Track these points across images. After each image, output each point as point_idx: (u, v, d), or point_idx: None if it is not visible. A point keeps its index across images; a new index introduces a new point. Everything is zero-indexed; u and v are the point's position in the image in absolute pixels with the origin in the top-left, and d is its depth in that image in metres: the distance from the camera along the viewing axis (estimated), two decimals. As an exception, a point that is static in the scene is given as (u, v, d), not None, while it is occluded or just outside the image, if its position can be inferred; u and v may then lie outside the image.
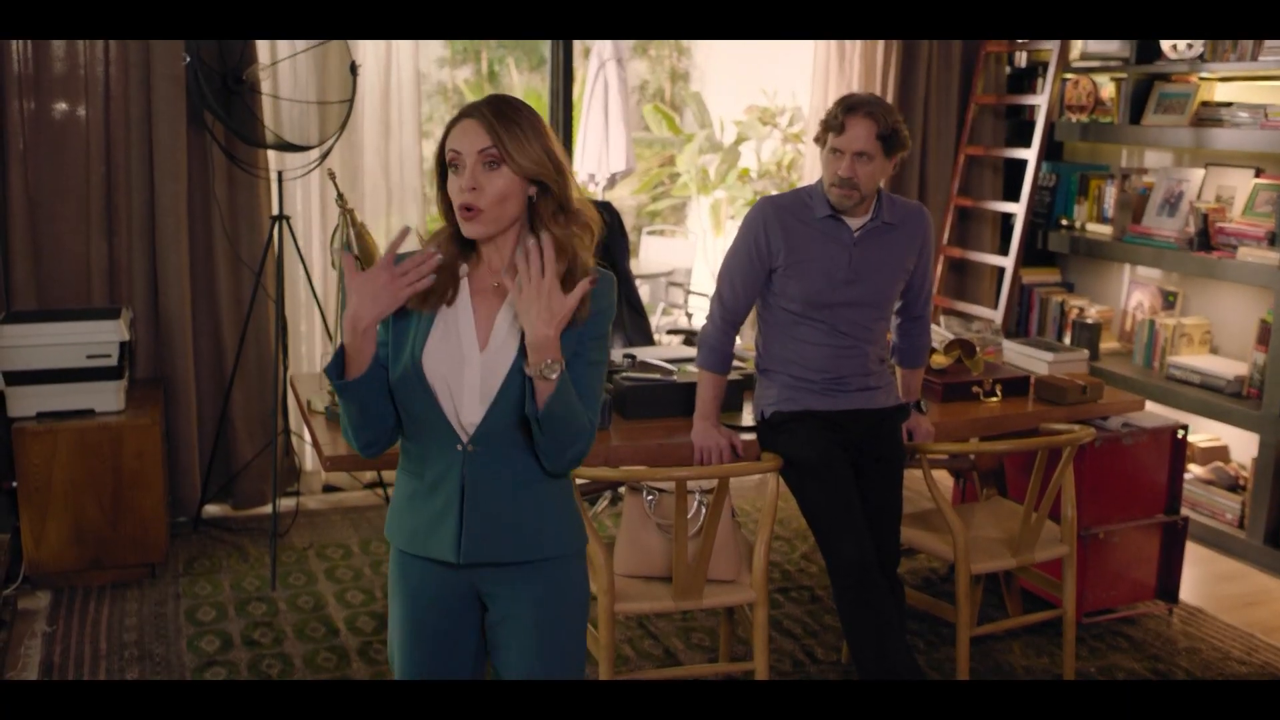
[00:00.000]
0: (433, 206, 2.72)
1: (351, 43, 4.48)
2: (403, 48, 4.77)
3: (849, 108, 3.03)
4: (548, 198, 2.00)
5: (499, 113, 1.95)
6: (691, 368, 3.52)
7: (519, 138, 1.94)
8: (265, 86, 4.38)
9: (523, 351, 1.96)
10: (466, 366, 1.99)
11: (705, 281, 7.92)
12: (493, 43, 9.43)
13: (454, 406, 2.00)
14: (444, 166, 2.00)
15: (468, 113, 1.98)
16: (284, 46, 4.44)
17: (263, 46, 4.42)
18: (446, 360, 1.99)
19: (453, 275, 2.03)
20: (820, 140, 3.11)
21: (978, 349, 3.82)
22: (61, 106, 4.20)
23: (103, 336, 3.91)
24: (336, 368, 1.99)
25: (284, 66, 4.44)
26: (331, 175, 4.01)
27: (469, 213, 1.95)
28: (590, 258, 2.05)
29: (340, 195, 3.92)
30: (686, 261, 8.10)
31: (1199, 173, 4.89)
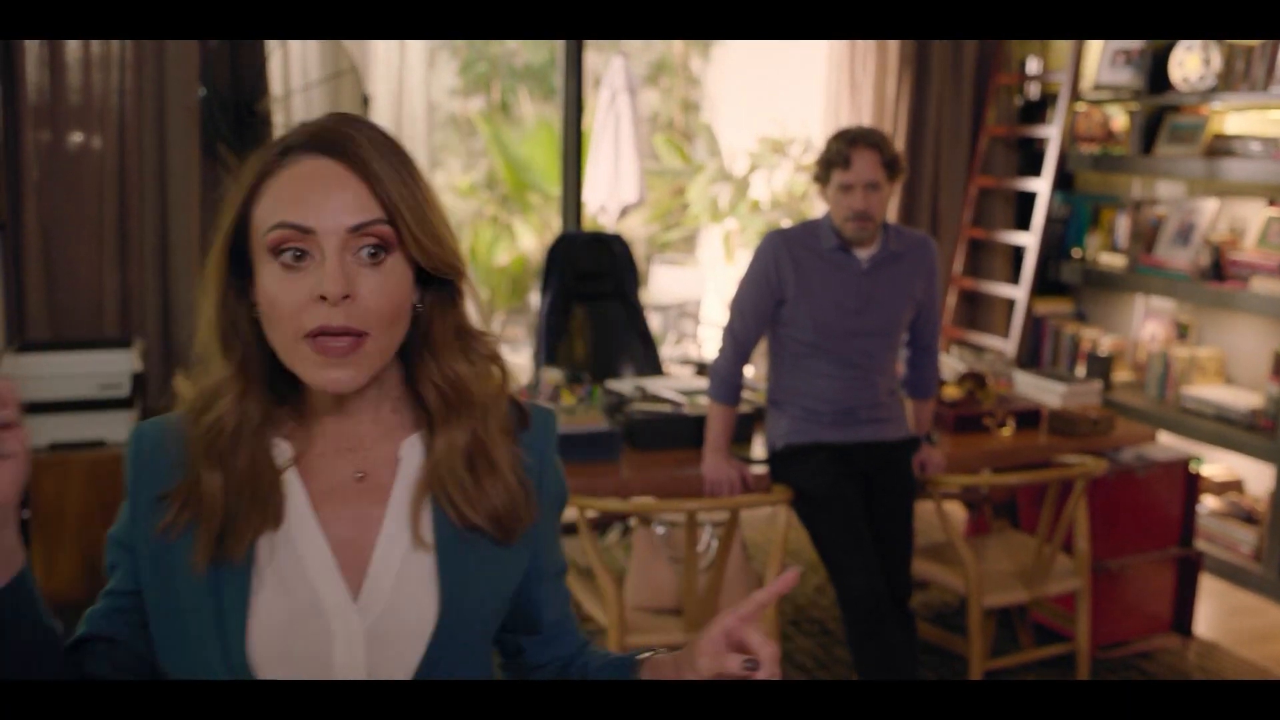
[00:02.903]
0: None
1: (364, 74, 4.51)
2: (414, 78, 4.80)
3: (851, 141, 3.04)
4: (449, 309, 1.18)
5: (375, 143, 1.11)
6: (702, 399, 3.51)
7: (415, 194, 1.11)
8: (279, 118, 4.41)
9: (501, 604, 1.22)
10: (337, 648, 1.12)
11: (716, 311, 7.92)
12: (504, 72, 9.50)
13: None
14: (239, 253, 1.13)
15: (312, 145, 1.10)
16: (297, 78, 4.47)
17: (276, 78, 4.45)
18: (297, 647, 1.11)
19: (268, 473, 1.15)
20: (821, 178, 3.12)
21: (989, 381, 3.81)
22: (76, 137, 4.22)
23: (115, 367, 3.92)
24: None
25: (297, 98, 4.47)
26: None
27: (342, 343, 1.08)
28: (504, 403, 1.23)
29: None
30: (697, 291, 8.11)
31: (1212, 204, 4.88)
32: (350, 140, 1.10)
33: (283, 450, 1.18)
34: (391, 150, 1.12)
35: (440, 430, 1.18)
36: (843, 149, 3.05)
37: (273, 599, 1.12)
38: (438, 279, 1.16)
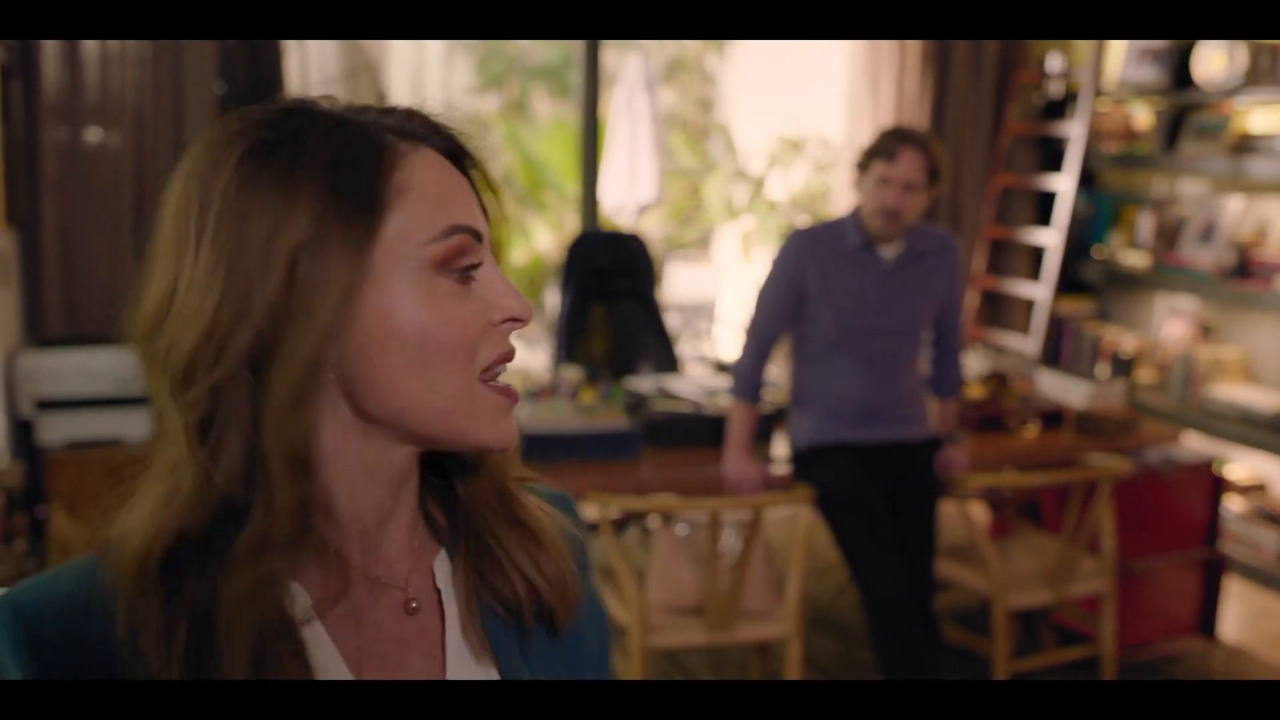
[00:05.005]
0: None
1: (380, 71, 4.49)
2: (432, 76, 4.78)
3: (903, 137, 3.02)
4: None
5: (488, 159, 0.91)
6: (723, 399, 3.49)
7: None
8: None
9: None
10: None
11: (732, 310, 7.90)
12: (519, 70, 9.48)
13: None
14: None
15: (439, 142, 0.87)
16: (315, 74, 4.46)
17: (293, 74, 4.43)
18: None
19: (281, 617, 0.78)
20: (863, 166, 3.09)
21: (1011, 380, 3.78)
22: (93, 135, 4.22)
23: (133, 364, 3.91)
24: None
25: (314, 96, 4.46)
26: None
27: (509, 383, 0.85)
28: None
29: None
30: (712, 290, 8.09)
31: (1236, 202, 4.83)
32: (476, 149, 0.88)
33: (300, 601, 0.80)
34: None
35: (459, 478, 0.89)
36: (891, 143, 3.02)
37: None
38: None
